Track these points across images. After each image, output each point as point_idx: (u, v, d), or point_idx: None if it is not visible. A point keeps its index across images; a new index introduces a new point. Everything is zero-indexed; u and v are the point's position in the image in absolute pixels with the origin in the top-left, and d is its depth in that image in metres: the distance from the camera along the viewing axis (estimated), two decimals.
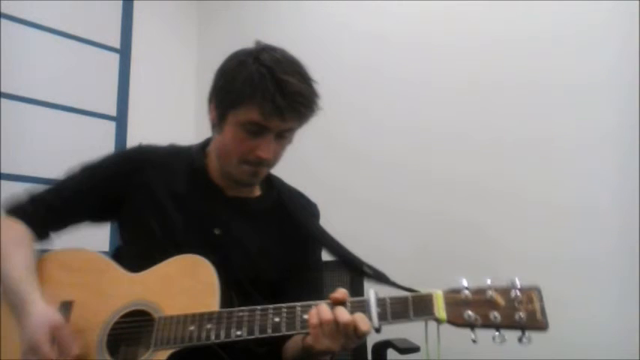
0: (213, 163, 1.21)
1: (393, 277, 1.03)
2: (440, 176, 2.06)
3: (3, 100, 2.33)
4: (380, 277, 1.04)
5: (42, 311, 1.00)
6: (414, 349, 1.48)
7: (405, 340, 1.52)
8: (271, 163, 1.16)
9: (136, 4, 2.87)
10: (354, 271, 1.15)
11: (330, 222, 1.25)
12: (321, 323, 0.90)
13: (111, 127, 2.70)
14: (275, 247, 1.20)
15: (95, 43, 2.70)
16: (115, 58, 2.77)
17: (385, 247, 2.04)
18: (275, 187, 1.28)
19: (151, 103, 2.86)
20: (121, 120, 2.74)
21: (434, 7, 2.17)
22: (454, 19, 2.11)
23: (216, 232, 1.16)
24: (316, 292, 1.24)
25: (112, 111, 2.73)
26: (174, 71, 3.06)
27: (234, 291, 1.08)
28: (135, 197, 1.18)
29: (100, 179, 1.21)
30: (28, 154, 2.36)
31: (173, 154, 1.25)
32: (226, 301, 1.03)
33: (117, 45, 2.78)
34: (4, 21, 2.37)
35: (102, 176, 1.22)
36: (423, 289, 0.91)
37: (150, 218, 1.15)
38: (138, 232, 1.17)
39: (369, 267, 1.07)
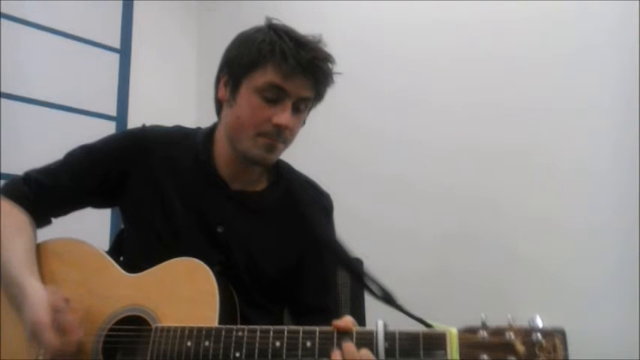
0: (220, 150, 1.15)
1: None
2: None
3: (3, 100, 2.33)
4: (386, 299, 0.96)
5: (38, 291, 0.96)
6: None
7: None
8: (288, 136, 1.08)
9: (135, 4, 2.86)
10: (360, 285, 1.09)
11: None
12: None
13: (111, 127, 2.69)
14: (279, 246, 1.16)
15: (95, 43, 2.69)
16: (115, 58, 2.76)
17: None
18: (283, 177, 1.21)
19: (151, 103, 2.85)
20: (121, 120, 2.74)
21: None
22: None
23: (219, 229, 1.11)
24: (324, 292, 1.21)
25: (112, 111, 2.72)
26: (175, 71, 3.05)
27: (238, 291, 1.05)
28: (135, 183, 1.13)
29: (99, 160, 1.15)
30: (28, 154, 2.34)
31: (178, 139, 1.18)
32: (230, 304, 1.01)
33: (117, 45, 2.77)
34: (4, 21, 2.36)
35: (102, 156, 1.15)
36: (436, 324, 0.84)
37: (150, 209, 1.11)
38: (138, 223, 1.14)
39: (376, 284, 0.99)
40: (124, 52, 2.79)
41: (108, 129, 2.67)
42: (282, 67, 1.00)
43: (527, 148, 1.89)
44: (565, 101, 1.83)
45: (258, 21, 1.10)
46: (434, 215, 2.07)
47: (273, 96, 1.03)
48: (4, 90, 2.33)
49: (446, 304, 1.80)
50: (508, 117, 1.95)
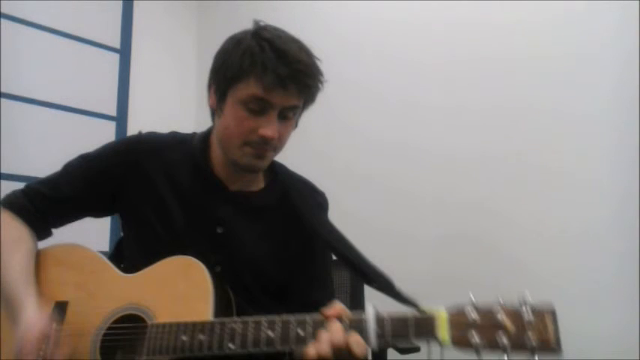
0: (216, 153, 1.16)
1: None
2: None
3: (3, 100, 2.33)
4: (384, 287, 0.96)
5: (31, 319, 0.97)
6: (415, 349, 1.46)
7: None
8: (276, 145, 1.09)
9: (135, 4, 2.86)
10: (360, 277, 1.09)
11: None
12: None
13: (111, 127, 2.69)
14: (279, 244, 1.17)
15: (95, 43, 2.69)
16: (115, 58, 2.76)
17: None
18: (280, 177, 1.22)
19: (151, 103, 2.85)
20: (121, 120, 2.74)
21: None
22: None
23: (219, 230, 1.12)
24: (323, 288, 1.22)
25: (112, 111, 2.72)
26: (175, 71, 3.05)
27: (236, 291, 1.06)
28: (135, 190, 1.14)
29: (98, 170, 1.16)
30: (28, 154, 2.36)
31: (175, 144, 1.19)
32: (225, 302, 1.01)
33: (117, 45, 2.77)
34: (4, 21, 2.36)
35: (101, 167, 1.17)
36: (427, 307, 0.84)
37: (150, 214, 1.12)
38: (139, 228, 1.15)
39: (376, 273, 0.99)
40: (124, 52, 2.79)
41: (108, 129, 2.67)
42: (264, 80, 1.00)
43: (526, 151, 1.88)
44: (564, 103, 1.82)
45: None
46: (432, 218, 2.06)
47: (258, 107, 1.03)
48: (4, 90, 2.34)
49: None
50: (505, 119, 1.94)
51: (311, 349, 0.85)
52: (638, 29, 1.68)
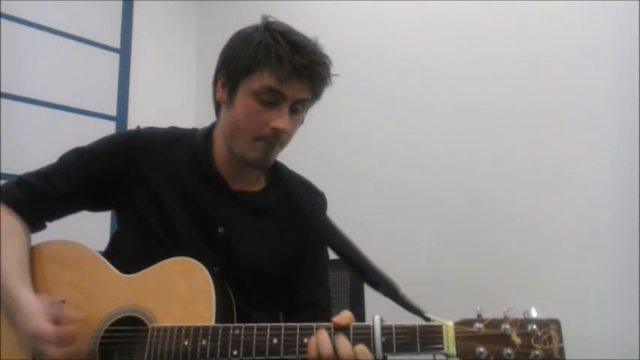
0: (219, 150, 1.15)
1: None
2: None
3: (3, 100, 2.33)
4: (388, 291, 0.95)
5: (32, 301, 0.96)
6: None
7: None
8: (284, 140, 1.09)
9: (136, 4, 2.86)
10: (364, 280, 1.09)
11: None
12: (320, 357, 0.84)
13: (111, 127, 2.69)
14: (280, 245, 1.16)
15: (95, 43, 2.69)
16: (115, 58, 2.76)
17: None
18: (282, 177, 1.21)
19: (151, 102, 2.85)
20: (121, 120, 2.74)
21: None
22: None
23: (220, 230, 1.11)
24: (321, 287, 1.23)
25: (112, 111, 2.72)
26: (175, 71, 3.05)
27: (235, 292, 1.05)
28: (133, 187, 1.12)
29: (94, 163, 1.14)
30: (28, 154, 2.35)
31: (175, 140, 1.17)
32: (226, 305, 1.01)
33: (117, 45, 2.77)
34: (4, 21, 2.36)
35: (96, 160, 1.14)
36: (433, 317, 0.85)
37: (148, 211, 1.11)
38: (136, 225, 1.13)
39: (378, 275, 0.98)
40: (124, 52, 2.79)
41: (108, 129, 2.67)
42: (278, 72, 1.00)
43: (526, 153, 1.88)
44: (564, 104, 1.82)
45: (258, 21, 1.10)
46: (431, 221, 2.06)
47: (270, 99, 1.03)
48: (4, 90, 2.33)
49: (443, 310, 1.79)
50: (505, 121, 1.94)
51: None
52: (638, 29, 1.68)
